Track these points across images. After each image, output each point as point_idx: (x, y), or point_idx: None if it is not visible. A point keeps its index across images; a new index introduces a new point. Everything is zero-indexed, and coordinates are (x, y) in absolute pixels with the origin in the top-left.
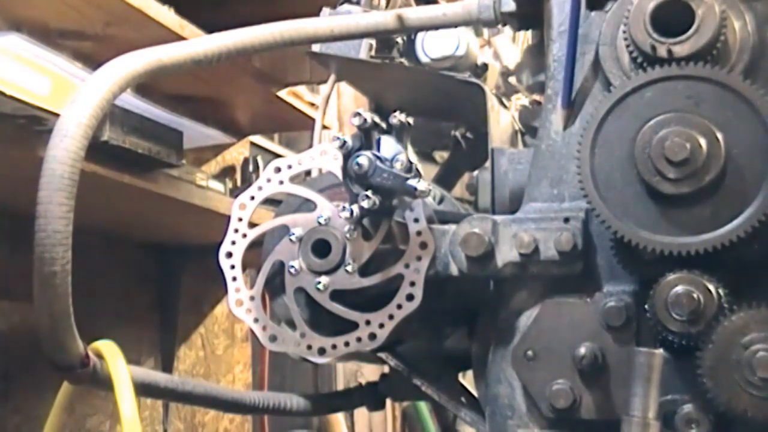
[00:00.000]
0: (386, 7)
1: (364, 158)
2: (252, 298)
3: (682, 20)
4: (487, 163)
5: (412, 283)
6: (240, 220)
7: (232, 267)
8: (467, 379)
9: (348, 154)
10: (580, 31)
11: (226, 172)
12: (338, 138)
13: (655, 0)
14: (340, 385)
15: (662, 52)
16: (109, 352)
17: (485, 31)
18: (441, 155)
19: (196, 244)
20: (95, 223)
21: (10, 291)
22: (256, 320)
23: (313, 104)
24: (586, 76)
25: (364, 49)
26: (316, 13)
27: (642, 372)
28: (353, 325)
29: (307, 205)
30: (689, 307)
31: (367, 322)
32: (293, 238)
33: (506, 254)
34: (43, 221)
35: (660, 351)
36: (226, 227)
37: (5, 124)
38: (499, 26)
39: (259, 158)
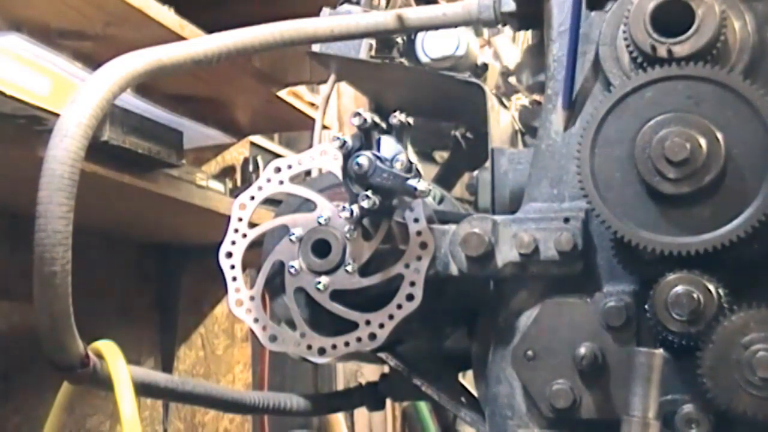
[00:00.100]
0: (386, 7)
1: (364, 158)
2: (252, 298)
3: (682, 20)
4: (487, 163)
5: (412, 283)
6: (240, 220)
7: (232, 267)
8: (467, 379)
9: (348, 154)
10: (580, 31)
11: (226, 172)
12: (338, 138)
13: (655, 0)
14: (340, 385)
15: (662, 52)
16: (109, 352)
17: (485, 31)
18: (441, 155)
19: (196, 244)
20: (95, 223)
21: (10, 291)
22: (256, 320)
23: (313, 104)
24: (586, 76)
25: (364, 49)
26: (316, 13)
27: (642, 372)
28: (353, 325)
29: (307, 205)
30: (689, 307)
31: (367, 322)
32: (293, 238)
33: (506, 254)
34: (43, 221)
35: (660, 351)
36: (226, 227)
37: (5, 124)
38: (499, 26)
39: (259, 158)
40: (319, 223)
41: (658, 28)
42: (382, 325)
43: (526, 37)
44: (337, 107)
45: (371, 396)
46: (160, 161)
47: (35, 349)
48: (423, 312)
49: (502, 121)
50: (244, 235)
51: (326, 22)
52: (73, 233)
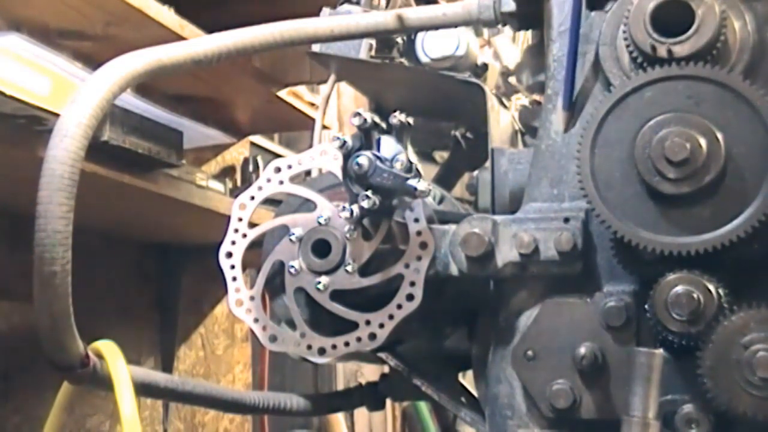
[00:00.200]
0: (386, 7)
1: (364, 158)
2: (252, 298)
3: (682, 20)
4: (487, 163)
5: (412, 283)
6: (240, 220)
7: (232, 267)
8: (467, 379)
9: (348, 154)
10: (580, 31)
11: (226, 172)
12: (338, 138)
13: (655, 0)
14: (340, 385)
15: (662, 52)
16: (109, 352)
17: (485, 31)
18: (441, 155)
19: (196, 244)
20: (95, 223)
21: (10, 291)
22: (256, 320)
23: (313, 104)
24: (586, 76)
25: (364, 49)
26: (316, 13)
27: (642, 372)
28: (353, 325)
29: (307, 205)
30: (689, 307)
31: (367, 322)
32: (293, 238)
33: (506, 254)
34: (43, 221)
35: (660, 351)
36: (226, 227)
37: (5, 124)
38: (499, 26)
39: (259, 158)
40: (319, 223)
41: (658, 28)
42: (382, 325)
43: (526, 37)
44: (337, 107)
45: (371, 396)
46: (160, 161)
47: (35, 349)
48: (423, 312)
49: (502, 121)
50: (244, 235)
51: (326, 22)
52: (74, 233)
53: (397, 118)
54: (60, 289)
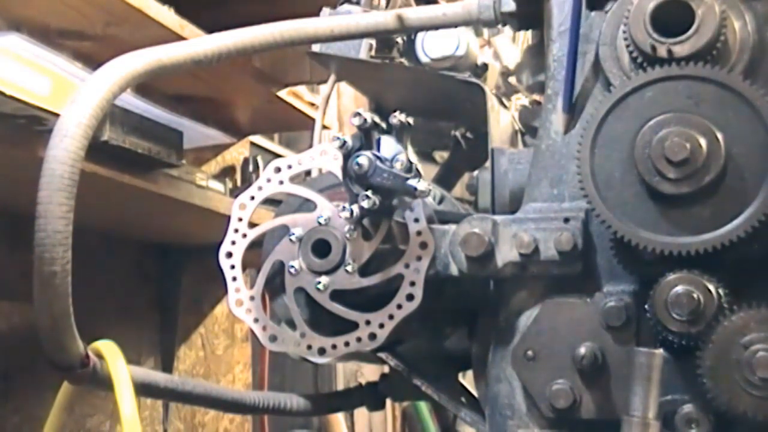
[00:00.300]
0: (386, 7)
1: (364, 158)
2: (252, 298)
3: (682, 20)
4: (487, 163)
5: (412, 283)
6: (240, 220)
7: (232, 267)
8: (467, 379)
9: (348, 154)
10: (580, 31)
11: (226, 172)
12: (338, 138)
13: (655, 0)
14: (340, 385)
15: (662, 52)
16: (109, 352)
17: (485, 31)
18: (441, 155)
19: (196, 244)
20: (95, 223)
21: (10, 291)
22: (256, 320)
23: (313, 104)
24: (586, 76)
25: (364, 49)
26: (316, 13)
27: (642, 372)
28: (353, 325)
29: (307, 205)
30: (689, 307)
31: (367, 322)
32: (293, 238)
33: (506, 254)
34: (43, 221)
35: (660, 351)
36: (226, 227)
37: (5, 124)
38: (499, 26)
39: (259, 158)
40: (319, 223)
41: (658, 28)
42: (382, 325)
43: (526, 37)
44: (337, 107)
45: (371, 396)
46: (160, 161)
47: (35, 349)
48: (423, 312)
49: (502, 121)
50: (244, 235)
51: (326, 22)
52: (74, 233)
53: (397, 118)
54: (60, 289)
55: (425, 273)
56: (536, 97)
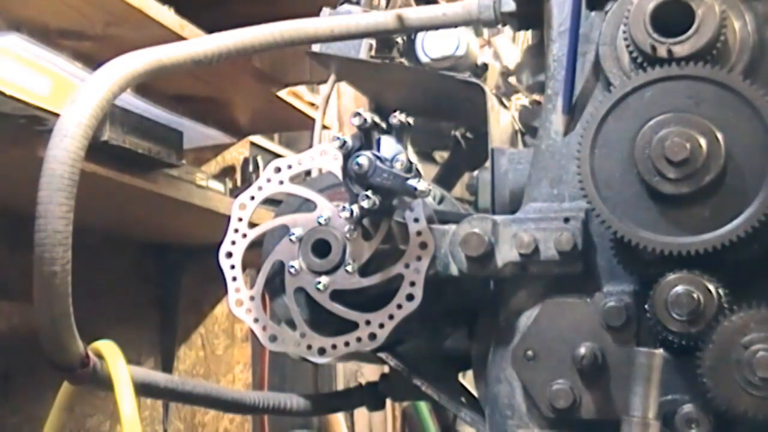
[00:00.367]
0: (386, 7)
1: (364, 158)
2: (252, 298)
3: (682, 20)
4: (487, 163)
5: (412, 283)
6: (240, 220)
7: (232, 267)
8: (467, 379)
9: (348, 154)
10: (580, 31)
11: (226, 172)
12: (338, 138)
13: (655, 0)
14: (340, 385)
15: (662, 52)
16: (109, 352)
17: (485, 31)
18: (441, 155)
19: (196, 244)
20: (95, 223)
21: (10, 291)
22: (256, 320)
23: (313, 104)
24: (586, 76)
25: (364, 49)
26: (316, 13)
27: (642, 372)
28: (353, 325)
29: (307, 205)
30: (689, 307)
31: (367, 322)
32: (293, 238)
33: (506, 254)
34: (43, 221)
35: (660, 351)
36: (226, 227)
37: (5, 124)
38: (499, 26)
39: (259, 158)
40: (319, 223)
41: (658, 28)
42: (382, 325)
43: (526, 37)
44: (337, 107)
45: (371, 396)
46: (160, 161)
47: (35, 349)
48: (423, 312)
49: (502, 121)
50: (244, 235)
51: (326, 22)
52: (74, 233)
53: (397, 118)
54: (60, 289)
55: (425, 273)
56: (536, 97)
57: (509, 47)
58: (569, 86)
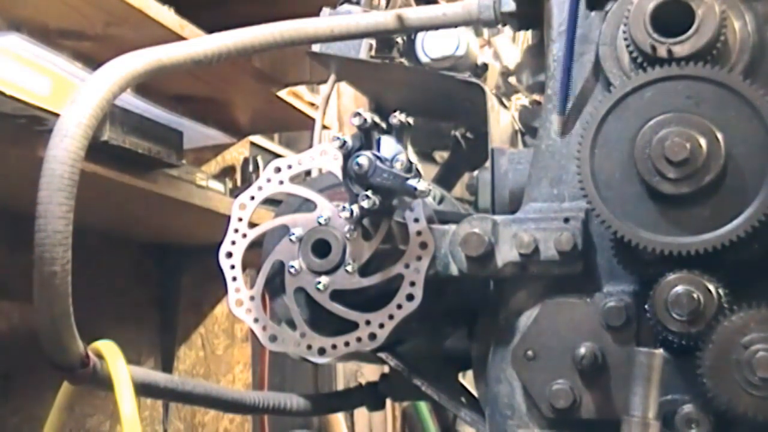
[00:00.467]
0: (386, 7)
1: (364, 158)
2: (252, 298)
3: (682, 20)
4: (487, 163)
5: (412, 283)
6: (240, 220)
7: (232, 267)
8: (467, 379)
9: (348, 154)
10: (579, 31)
11: (226, 172)
12: (338, 138)
13: (655, 0)
14: (340, 385)
15: (662, 52)
16: (109, 352)
17: (485, 31)
18: (441, 155)
19: (196, 244)
20: (96, 223)
21: (10, 291)
22: (256, 320)
23: (313, 104)
24: (587, 77)
25: (364, 49)
26: (316, 13)
27: (642, 372)
28: (353, 325)
29: (307, 205)
30: (689, 307)
31: (367, 322)
32: (293, 238)
33: (506, 254)
34: (43, 221)
35: (660, 351)
36: (226, 227)
37: (5, 124)
38: (499, 26)
39: (259, 158)
40: (319, 223)
41: (658, 28)
42: (382, 325)
43: (526, 37)
44: (337, 107)
45: (371, 396)
46: (160, 161)
47: (35, 349)
48: (423, 312)
49: (502, 121)
50: (244, 235)
51: (326, 22)
52: (74, 233)
53: (397, 118)
54: (60, 289)
55: (425, 273)
56: (536, 97)
57: (509, 47)
58: (564, 87)
